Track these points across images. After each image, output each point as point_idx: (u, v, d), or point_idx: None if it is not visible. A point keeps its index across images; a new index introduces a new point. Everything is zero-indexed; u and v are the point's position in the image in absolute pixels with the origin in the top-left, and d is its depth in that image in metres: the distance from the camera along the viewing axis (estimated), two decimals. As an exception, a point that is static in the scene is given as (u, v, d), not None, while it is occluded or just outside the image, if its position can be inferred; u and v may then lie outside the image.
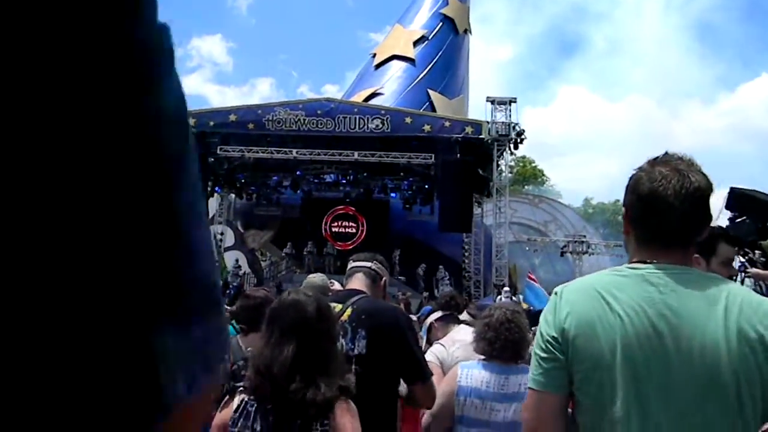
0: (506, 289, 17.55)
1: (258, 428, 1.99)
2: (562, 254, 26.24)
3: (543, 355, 1.56)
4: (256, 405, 2.04)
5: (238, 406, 2.07)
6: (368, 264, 3.00)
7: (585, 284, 1.59)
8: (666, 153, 1.59)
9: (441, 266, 23.37)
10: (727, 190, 4.71)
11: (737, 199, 4.30)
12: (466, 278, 24.41)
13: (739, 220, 3.53)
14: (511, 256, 22.91)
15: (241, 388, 2.11)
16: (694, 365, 1.41)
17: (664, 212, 1.52)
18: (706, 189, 1.54)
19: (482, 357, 3.03)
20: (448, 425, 2.96)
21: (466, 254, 25.21)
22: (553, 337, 1.55)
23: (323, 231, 25.28)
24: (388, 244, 22.52)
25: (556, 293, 1.62)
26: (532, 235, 28.84)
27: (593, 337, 1.50)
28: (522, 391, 2.79)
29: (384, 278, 3.04)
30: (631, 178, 1.60)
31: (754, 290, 4.21)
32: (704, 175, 1.55)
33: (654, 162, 1.58)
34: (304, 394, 1.99)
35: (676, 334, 1.44)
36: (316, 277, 4.55)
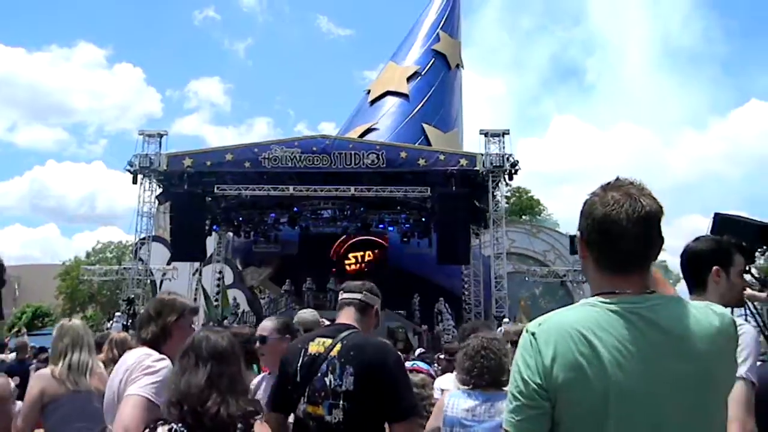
0: (506, 320, 17.49)
1: None
2: (562, 284, 26.19)
3: (524, 401, 1.54)
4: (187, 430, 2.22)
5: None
6: (357, 296, 2.96)
7: (562, 323, 1.57)
8: (617, 178, 1.65)
9: (441, 298, 23.30)
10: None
11: (721, 223, 4.36)
12: (467, 310, 24.33)
13: (704, 236, 3.58)
14: (511, 287, 22.86)
15: (162, 421, 2.25)
16: (684, 395, 1.48)
17: (618, 236, 1.57)
18: (657, 212, 1.59)
19: (466, 387, 3.06)
20: None
21: (466, 286, 25.16)
22: (538, 383, 1.53)
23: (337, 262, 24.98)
24: (386, 278, 22.49)
25: (528, 332, 1.59)
26: (531, 265, 28.78)
27: (583, 383, 1.49)
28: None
29: (375, 307, 3.00)
30: (585, 203, 1.65)
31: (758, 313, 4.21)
32: (654, 198, 1.60)
33: (606, 187, 1.63)
34: (217, 410, 2.20)
35: (663, 370, 1.49)
36: (307, 313, 4.57)
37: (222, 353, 2.38)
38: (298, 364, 2.75)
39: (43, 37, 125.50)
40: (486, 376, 3.01)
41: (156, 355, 2.80)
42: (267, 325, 3.62)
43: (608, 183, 1.64)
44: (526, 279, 26.60)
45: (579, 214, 1.66)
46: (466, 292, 25.07)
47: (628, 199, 1.57)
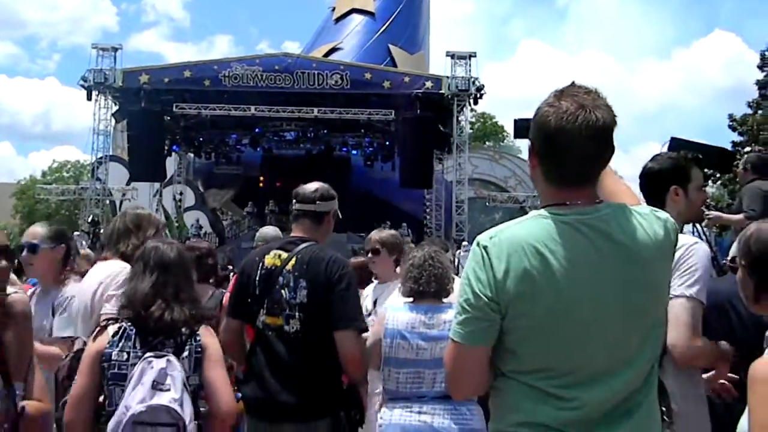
0: (465, 244, 17.75)
1: (137, 346, 2.39)
2: (522, 209, 26.59)
3: (474, 313, 1.55)
4: (135, 329, 2.44)
5: (116, 332, 2.43)
6: (311, 207, 2.94)
7: (514, 237, 1.56)
8: (572, 84, 1.59)
9: (404, 223, 23.41)
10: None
11: (677, 148, 4.41)
12: (428, 234, 24.60)
13: (659, 155, 3.62)
14: (472, 212, 23.13)
15: (112, 320, 2.47)
16: (629, 300, 1.53)
17: (570, 150, 1.53)
18: (611, 124, 1.55)
19: (410, 300, 3.10)
20: (376, 367, 3.04)
21: (428, 210, 25.36)
22: (489, 297, 1.53)
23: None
24: (349, 201, 22.46)
25: (480, 245, 1.59)
26: (493, 191, 29.07)
27: (535, 294, 1.51)
28: (446, 328, 2.89)
29: (330, 211, 2.97)
30: (537, 112, 1.59)
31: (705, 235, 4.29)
32: (609, 108, 1.56)
33: (560, 94, 1.56)
34: (161, 315, 2.40)
35: (611, 278, 1.52)
36: (269, 229, 4.69)
37: (168, 263, 2.53)
38: (256, 277, 2.81)
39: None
40: (433, 283, 3.06)
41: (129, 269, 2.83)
42: (37, 231, 3.33)
43: (562, 90, 1.58)
44: (487, 204, 26.92)
45: (531, 121, 1.61)
46: (428, 217, 25.30)
47: (582, 111, 1.52)
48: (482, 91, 21.52)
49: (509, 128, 49.02)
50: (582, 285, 1.51)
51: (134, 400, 2.25)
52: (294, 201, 3.01)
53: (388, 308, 3.18)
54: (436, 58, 37.31)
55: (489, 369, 1.62)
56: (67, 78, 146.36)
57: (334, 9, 29.55)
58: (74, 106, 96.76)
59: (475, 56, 21.85)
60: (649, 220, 1.59)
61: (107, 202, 24.69)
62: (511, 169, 31.93)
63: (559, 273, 1.50)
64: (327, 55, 25.71)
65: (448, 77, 21.34)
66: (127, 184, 25.52)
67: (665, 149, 4.26)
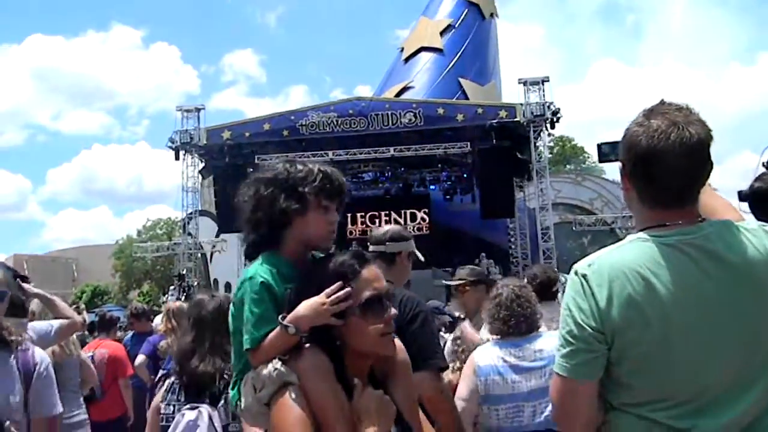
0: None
1: (182, 399, 2.60)
2: (612, 231, 25.67)
3: (579, 345, 1.49)
4: (179, 384, 2.66)
5: (168, 387, 2.69)
6: (381, 248, 2.90)
7: (615, 262, 1.49)
8: (662, 102, 1.52)
9: (483, 254, 23.00)
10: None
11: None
12: (514, 264, 24.13)
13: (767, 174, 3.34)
14: (558, 238, 22.55)
15: (166, 373, 2.77)
16: (743, 322, 1.44)
17: (665, 171, 1.46)
18: (706, 139, 1.47)
19: (497, 336, 3.05)
20: (475, 411, 2.97)
21: (512, 240, 24.92)
22: (593, 327, 1.47)
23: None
24: (432, 237, 22.42)
25: (579, 274, 1.52)
26: (578, 214, 28.29)
27: (642, 321, 1.44)
28: (538, 358, 2.87)
29: (402, 252, 2.93)
30: (626, 133, 1.52)
31: None
32: (703, 123, 1.48)
33: (649, 113, 1.50)
34: (195, 369, 2.58)
35: (722, 300, 1.44)
36: None
37: (204, 318, 2.72)
38: None
39: (79, 24, 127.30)
40: (523, 324, 3.01)
41: None
42: None
43: (651, 108, 1.51)
44: (573, 229, 26.18)
45: (620, 143, 1.55)
46: (513, 246, 24.84)
47: (674, 129, 1.45)
48: (558, 115, 21.15)
49: (589, 149, 47.83)
50: (691, 309, 1.43)
51: None
52: (368, 244, 3.00)
53: (474, 352, 3.14)
54: (509, 86, 37.17)
55: (598, 402, 1.54)
56: (156, 141, 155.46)
57: (402, 49, 30.03)
58: (164, 167, 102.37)
59: (548, 81, 21.58)
60: (758, 236, 1.49)
61: (199, 255, 25.62)
62: (596, 191, 31.05)
63: (666, 298, 1.42)
64: (399, 95, 26.03)
65: (522, 104, 21.13)
66: (217, 236, 26.46)
67: (765, 157, 4.02)
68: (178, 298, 19.55)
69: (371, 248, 2.95)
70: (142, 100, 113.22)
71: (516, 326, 3.01)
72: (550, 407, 2.82)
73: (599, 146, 2.69)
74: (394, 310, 1.65)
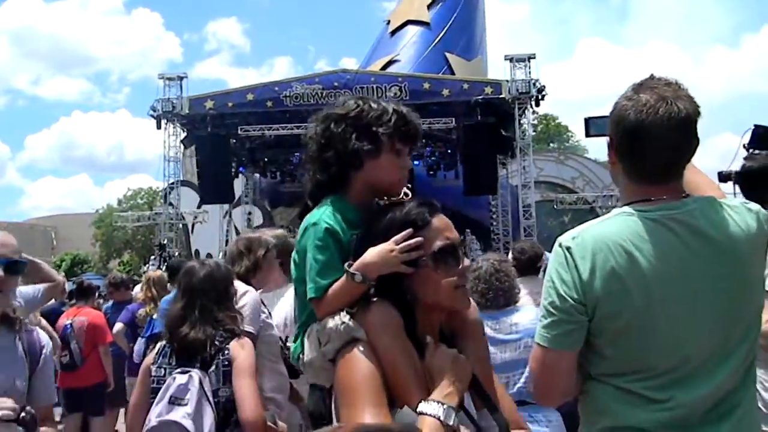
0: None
1: (173, 362, 2.64)
2: (592, 210, 25.89)
3: (561, 316, 1.51)
4: (170, 347, 2.69)
5: (159, 349, 2.74)
6: None
7: (598, 235, 1.51)
8: (651, 76, 1.52)
9: (467, 230, 23.17)
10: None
11: (762, 136, 4.15)
12: (495, 240, 24.30)
13: (757, 153, 3.37)
14: (540, 216, 22.70)
15: (151, 335, 2.86)
16: (721, 297, 1.47)
17: (653, 146, 1.47)
18: (694, 114, 1.48)
19: None
20: None
21: (494, 216, 25.05)
22: (575, 299, 1.49)
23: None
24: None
25: (563, 246, 1.53)
26: (560, 193, 28.48)
27: (623, 294, 1.46)
28: (514, 331, 2.91)
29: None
30: (615, 107, 1.53)
31: None
32: (691, 98, 1.49)
33: (639, 88, 1.50)
34: (186, 336, 2.62)
35: (702, 274, 1.46)
36: None
37: (194, 286, 2.74)
38: None
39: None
40: (501, 298, 3.06)
41: (240, 288, 3.01)
42: None
43: (640, 83, 1.51)
44: (555, 207, 26.38)
45: (609, 117, 1.55)
46: (495, 223, 24.99)
47: (663, 103, 1.45)
48: (543, 93, 21.15)
49: (573, 128, 48.05)
50: (672, 282, 1.45)
51: (154, 413, 2.47)
52: None
53: None
54: (495, 63, 36.94)
55: (577, 372, 1.57)
56: (138, 109, 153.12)
57: (389, 22, 29.73)
58: (145, 135, 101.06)
59: (534, 58, 21.50)
60: (740, 213, 1.52)
61: (180, 225, 25.46)
62: (578, 170, 31.21)
63: (648, 271, 1.44)
64: (384, 68, 25.84)
65: (507, 81, 21.08)
66: (198, 207, 26.30)
67: (747, 138, 4.06)
68: (159, 268, 19.46)
69: None
70: (123, 66, 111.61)
71: (494, 299, 3.06)
72: (523, 379, 2.88)
73: (586, 120, 2.69)
74: (467, 261, 1.52)
